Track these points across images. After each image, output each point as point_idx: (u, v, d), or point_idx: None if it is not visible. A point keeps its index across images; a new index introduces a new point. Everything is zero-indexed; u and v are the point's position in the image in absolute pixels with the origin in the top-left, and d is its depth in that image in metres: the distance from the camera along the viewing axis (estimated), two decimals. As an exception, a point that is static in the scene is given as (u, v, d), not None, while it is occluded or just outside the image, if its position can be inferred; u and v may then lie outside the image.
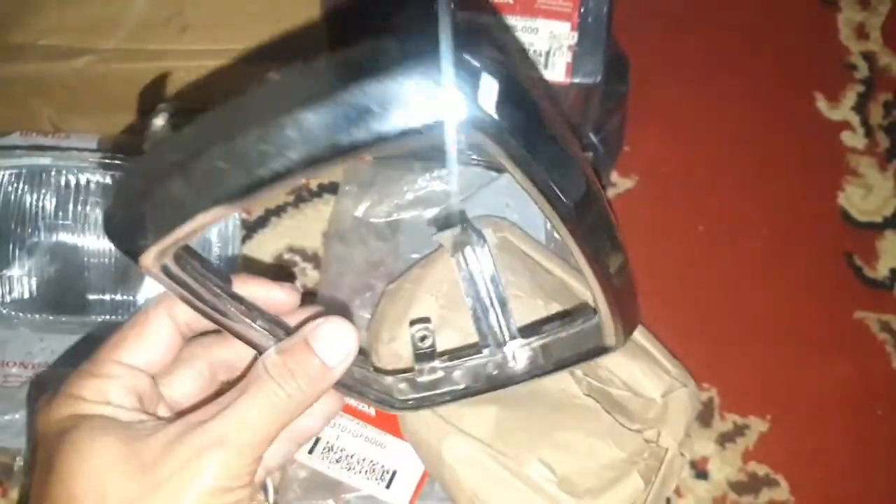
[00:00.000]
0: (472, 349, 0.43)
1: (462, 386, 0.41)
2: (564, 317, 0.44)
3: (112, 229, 0.29)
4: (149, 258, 0.29)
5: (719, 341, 0.60)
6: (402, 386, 0.42)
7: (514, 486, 0.47)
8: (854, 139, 0.67)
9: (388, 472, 0.52)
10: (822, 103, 0.69)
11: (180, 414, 0.32)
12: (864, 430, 0.57)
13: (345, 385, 0.38)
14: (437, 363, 0.41)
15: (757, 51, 0.71)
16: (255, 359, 0.37)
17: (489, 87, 0.23)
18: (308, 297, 0.62)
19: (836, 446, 0.57)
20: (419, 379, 0.42)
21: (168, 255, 0.29)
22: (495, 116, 0.24)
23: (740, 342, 0.60)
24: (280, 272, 0.62)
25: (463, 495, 0.48)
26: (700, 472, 0.56)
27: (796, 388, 0.58)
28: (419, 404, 0.42)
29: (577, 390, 0.50)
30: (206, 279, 0.32)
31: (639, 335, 0.53)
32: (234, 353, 0.36)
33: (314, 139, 0.24)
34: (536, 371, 0.41)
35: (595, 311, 0.36)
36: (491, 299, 0.42)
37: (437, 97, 0.23)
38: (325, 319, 0.32)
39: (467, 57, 0.23)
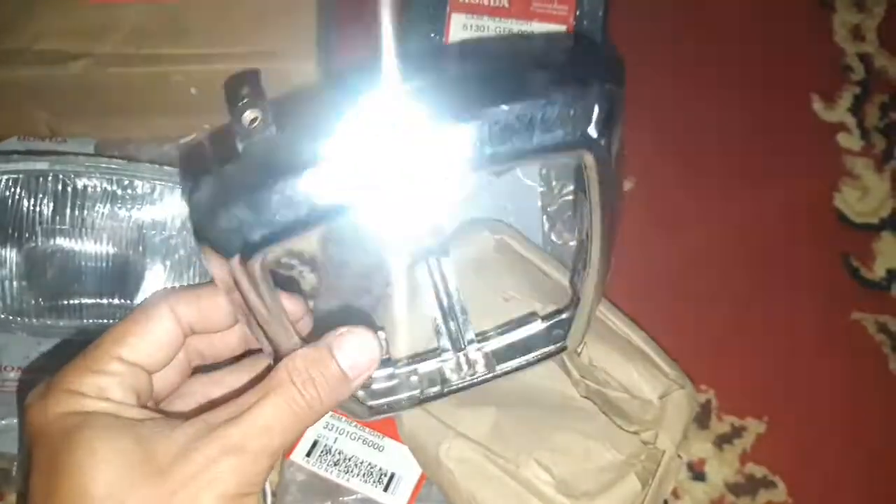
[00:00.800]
0: (427, 354, 0.43)
1: (418, 391, 0.42)
2: (509, 324, 0.45)
3: (207, 223, 0.28)
4: (245, 259, 0.28)
5: (716, 343, 0.60)
6: (360, 393, 0.41)
7: (511, 489, 0.47)
8: (850, 141, 0.68)
9: (385, 475, 0.52)
10: (817, 105, 0.69)
11: (192, 413, 0.32)
12: (861, 431, 0.57)
13: None
14: (392, 370, 0.41)
15: (753, 52, 0.71)
16: (256, 360, 0.37)
17: (603, 114, 0.27)
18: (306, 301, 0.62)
19: (834, 448, 0.57)
20: (375, 386, 0.41)
21: (265, 258, 0.28)
22: (602, 142, 0.27)
23: (737, 344, 0.60)
24: (280, 278, 0.62)
25: (460, 498, 0.48)
26: (697, 473, 0.56)
27: (793, 389, 0.58)
28: (377, 410, 0.41)
29: (575, 392, 0.50)
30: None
31: (636, 337, 0.53)
32: (205, 343, 0.36)
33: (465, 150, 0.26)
34: (491, 373, 0.42)
35: (541, 318, 0.42)
36: (452, 307, 0.43)
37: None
38: (349, 329, 0.32)
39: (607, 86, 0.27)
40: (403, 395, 0.41)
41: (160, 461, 0.28)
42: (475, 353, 0.42)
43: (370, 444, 0.52)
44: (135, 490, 0.28)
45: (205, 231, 0.28)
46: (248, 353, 0.37)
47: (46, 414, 0.30)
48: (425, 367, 0.42)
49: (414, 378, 0.42)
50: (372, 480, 0.52)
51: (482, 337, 0.43)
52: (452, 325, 0.43)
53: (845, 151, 0.67)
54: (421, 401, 0.42)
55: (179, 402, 0.35)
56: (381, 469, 0.52)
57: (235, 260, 0.28)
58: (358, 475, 0.52)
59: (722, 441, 0.57)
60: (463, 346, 0.42)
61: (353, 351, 0.32)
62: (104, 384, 0.31)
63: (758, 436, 0.57)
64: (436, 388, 0.42)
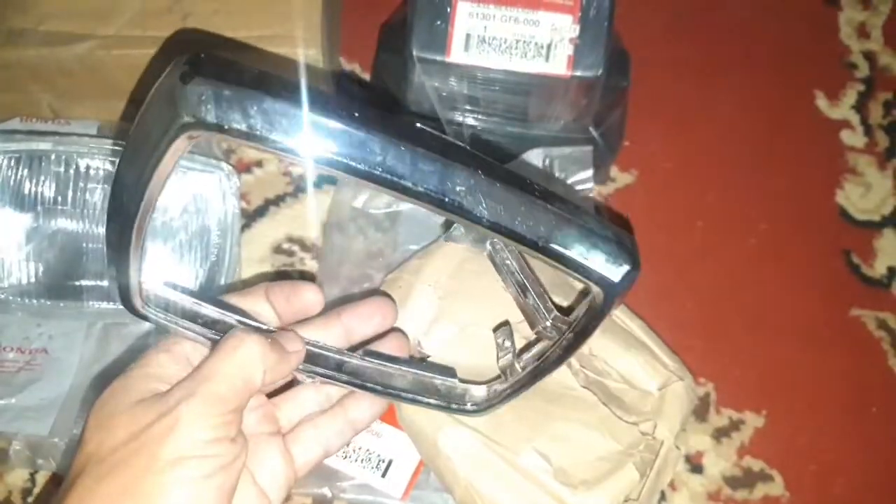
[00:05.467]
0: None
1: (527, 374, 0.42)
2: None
3: None
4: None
5: (716, 336, 0.60)
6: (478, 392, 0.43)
7: (509, 477, 0.47)
8: (853, 138, 0.68)
9: (383, 462, 0.52)
10: (822, 101, 0.69)
11: None
12: (859, 426, 0.58)
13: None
14: (517, 363, 0.42)
15: (758, 48, 0.71)
16: None
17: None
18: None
19: (831, 443, 0.57)
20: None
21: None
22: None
23: (737, 337, 0.60)
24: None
25: (458, 485, 0.48)
26: (695, 466, 0.56)
27: (792, 383, 0.59)
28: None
29: (574, 382, 0.50)
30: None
31: (636, 328, 0.53)
32: None
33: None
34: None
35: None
36: (525, 282, 0.44)
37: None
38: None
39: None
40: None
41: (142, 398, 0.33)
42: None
43: (369, 430, 0.52)
44: (119, 424, 0.32)
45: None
46: None
47: None
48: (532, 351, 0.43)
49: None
50: (370, 466, 0.52)
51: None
52: (531, 299, 0.43)
53: (848, 148, 0.67)
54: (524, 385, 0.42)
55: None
56: (379, 455, 0.52)
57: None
58: (356, 461, 0.52)
59: (720, 434, 0.57)
60: (546, 318, 0.42)
61: (285, 334, 0.37)
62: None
63: (756, 429, 0.57)
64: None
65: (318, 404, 0.40)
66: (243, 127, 0.27)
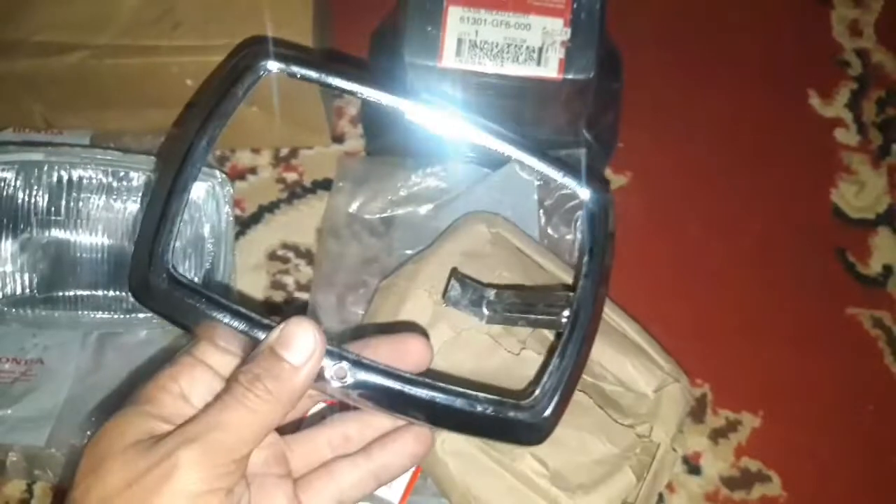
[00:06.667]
0: None
1: None
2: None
3: None
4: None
5: (712, 337, 0.60)
6: None
7: (506, 481, 0.47)
8: (847, 136, 0.68)
9: (380, 468, 0.52)
10: (815, 100, 0.69)
11: None
12: (856, 425, 0.58)
13: None
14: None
15: (751, 47, 0.71)
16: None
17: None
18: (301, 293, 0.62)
19: (829, 442, 0.57)
20: None
21: None
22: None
23: (733, 338, 0.60)
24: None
25: (455, 490, 0.48)
26: (692, 467, 0.57)
27: (789, 383, 0.59)
28: None
29: (570, 385, 0.50)
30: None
31: (631, 331, 0.53)
32: None
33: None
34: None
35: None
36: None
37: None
38: (286, 322, 0.32)
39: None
40: None
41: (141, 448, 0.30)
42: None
43: (365, 436, 0.52)
44: (114, 469, 0.30)
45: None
46: None
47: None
48: None
49: None
50: (367, 473, 0.52)
51: None
52: None
53: (842, 147, 0.67)
54: None
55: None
56: (376, 461, 0.52)
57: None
58: (353, 467, 0.52)
59: (717, 435, 0.57)
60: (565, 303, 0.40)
61: (292, 340, 0.31)
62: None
63: (753, 430, 0.57)
64: None
65: (334, 448, 0.36)
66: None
